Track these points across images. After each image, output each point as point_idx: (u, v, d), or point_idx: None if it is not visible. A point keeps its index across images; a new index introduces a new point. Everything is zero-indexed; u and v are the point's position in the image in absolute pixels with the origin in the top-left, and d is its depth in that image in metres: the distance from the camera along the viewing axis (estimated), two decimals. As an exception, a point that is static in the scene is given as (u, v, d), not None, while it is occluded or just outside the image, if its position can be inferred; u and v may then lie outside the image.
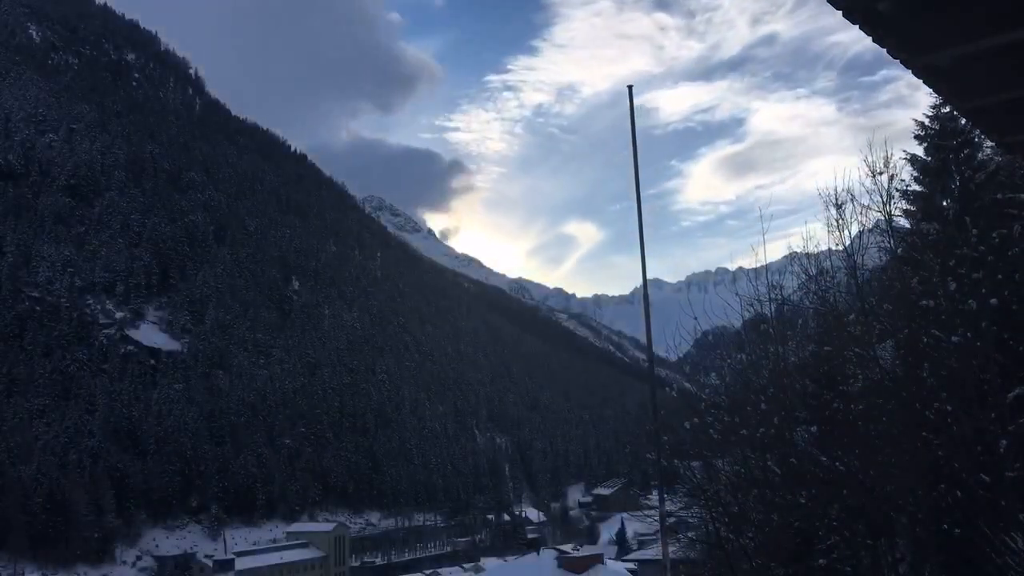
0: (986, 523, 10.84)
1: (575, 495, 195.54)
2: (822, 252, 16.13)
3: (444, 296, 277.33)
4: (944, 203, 15.29)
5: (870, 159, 14.19)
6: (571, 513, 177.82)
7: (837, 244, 15.02)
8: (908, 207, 15.74)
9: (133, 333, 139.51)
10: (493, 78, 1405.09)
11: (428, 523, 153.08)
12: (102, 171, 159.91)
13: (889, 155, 14.40)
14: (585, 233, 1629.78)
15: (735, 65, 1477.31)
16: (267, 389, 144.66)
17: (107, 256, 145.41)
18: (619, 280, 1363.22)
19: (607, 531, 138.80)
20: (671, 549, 15.44)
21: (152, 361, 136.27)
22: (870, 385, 13.86)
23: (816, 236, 15.87)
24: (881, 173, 14.26)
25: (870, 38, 3.21)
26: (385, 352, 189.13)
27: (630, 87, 13.52)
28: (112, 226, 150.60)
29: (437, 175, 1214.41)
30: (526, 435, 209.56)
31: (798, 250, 16.67)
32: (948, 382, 11.91)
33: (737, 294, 17.52)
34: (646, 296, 13.20)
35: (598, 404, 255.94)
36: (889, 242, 15.31)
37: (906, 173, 15.47)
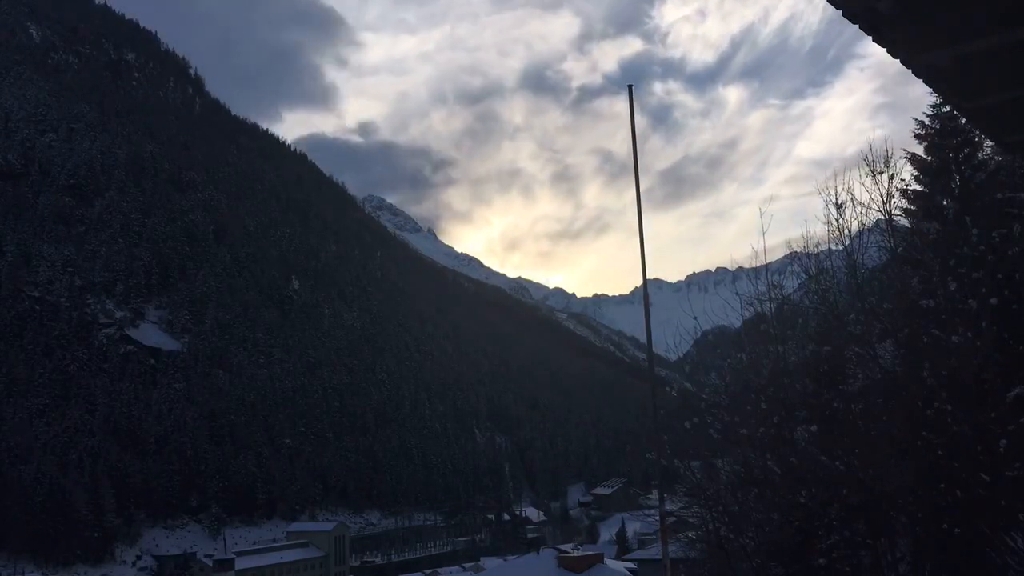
0: (986, 523, 10.85)
1: (575, 495, 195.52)
2: (822, 252, 16.13)
3: (444, 296, 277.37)
4: (944, 203, 15.28)
5: (870, 158, 14.20)
6: (571, 513, 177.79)
7: (837, 244, 15.03)
8: (908, 206, 15.74)
9: (133, 333, 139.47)
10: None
11: (428, 523, 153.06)
12: (102, 171, 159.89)
13: (889, 154, 14.42)
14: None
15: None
16: (267, 389, 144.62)
17: (107, 256, 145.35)
18: (619, 280, 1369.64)
19: (607, 531, 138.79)
20: (671, 549, 15.43)
21: (152, 361, 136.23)
22: (870, 384, 13.85)
23: (816, 236, 15.88)
24: (881, 172, 14.27)
25: (870, 38, 3.21)
26: (385, 352, 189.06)
27: (630, 86, 13.48)
28: (112, 226, 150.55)
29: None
30: (526, 435, 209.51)
31: (798, 250, 16.66)
32: (948, 382, 11.90)
33: (737, 294, 17.53)
34: (646, 296, 13.17)
35: (598, 404, 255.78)
36: (889, 242, 15.29)
37: (906, 172, 15.48)
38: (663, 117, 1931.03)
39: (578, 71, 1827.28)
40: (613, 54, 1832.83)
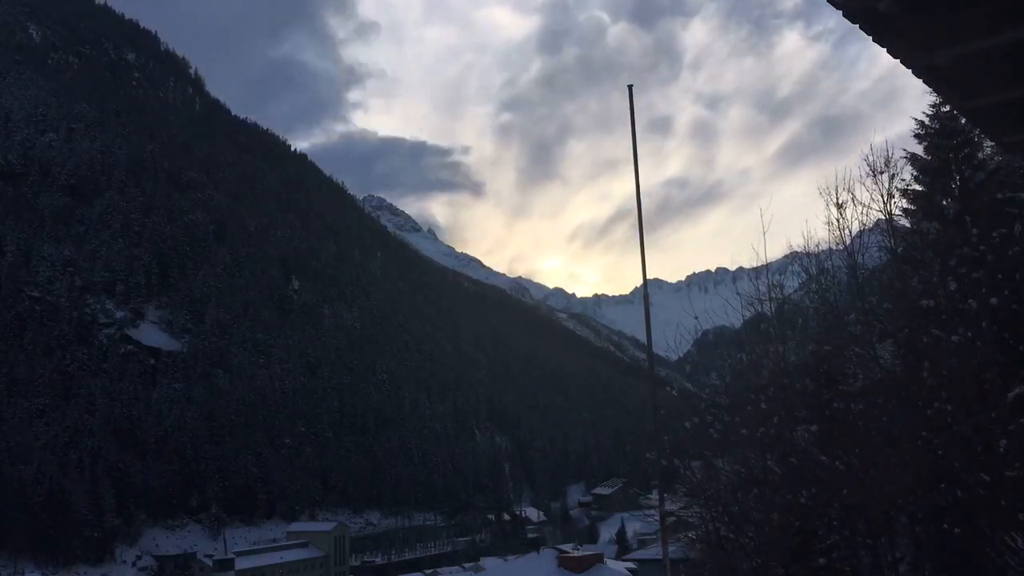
0: (986, 523, 10.85)
1: (575, 495, 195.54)
2: (822, 252, 16.14)
3: (444, 296, 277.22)
4: (944, 202, 15.27)
5: (871, 158, 14.21)
6: (571, 513, 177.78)
7: (837, 244, 15.04)
8: (908, 206, 15.73)
9: (133, 333, 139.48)
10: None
11: (428, 523, 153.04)
12: (102, 171, 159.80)
13: (889, 154, 14.44)
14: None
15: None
16: (267, 389, 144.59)
17: (107, 256, 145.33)
18: (619, 280, 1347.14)
19: (607, 531, 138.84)
20: (671, 549, 15.42)
21: (152, 361, 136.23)
22: (870, 385, 13.86)
23: (816, 236, 15.89)
24: (881, 172, 14.29)
25: (870, 38, 3.21)
26: (385, 352, 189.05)
27: (630, 87, 13.48)
28: (112, 226, 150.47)
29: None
30: (526, 435, 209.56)
31: (798, 250, 16.67)
32: (948, 382, 11.90)
33: (738, 294, 17.54)
34: (646, 296, 13.18)
35: (598, 404, 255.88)
36: (889, 241, 15.30)
37: (906, 172, 15.48)
38: (848, 43, 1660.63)
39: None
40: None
